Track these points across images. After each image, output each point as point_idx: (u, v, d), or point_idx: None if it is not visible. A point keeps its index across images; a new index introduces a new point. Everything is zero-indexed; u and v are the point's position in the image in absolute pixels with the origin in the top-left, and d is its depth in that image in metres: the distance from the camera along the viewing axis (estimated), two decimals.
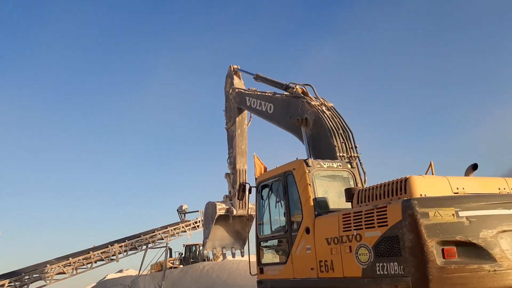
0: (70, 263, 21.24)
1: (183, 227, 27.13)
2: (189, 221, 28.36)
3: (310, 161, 7.30)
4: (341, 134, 8.71)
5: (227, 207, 12.14)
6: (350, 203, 6.64)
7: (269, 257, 8.31)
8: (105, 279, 31.06)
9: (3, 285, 18.82)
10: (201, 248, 30.39)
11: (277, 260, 7.96)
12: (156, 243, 25.60)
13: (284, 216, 7.64)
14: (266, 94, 10.73)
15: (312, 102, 9.39)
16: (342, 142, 8.59)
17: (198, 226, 28.39)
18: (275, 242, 8.14)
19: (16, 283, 19.48)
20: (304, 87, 9.83)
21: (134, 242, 23.68)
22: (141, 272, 27.89)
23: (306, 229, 6.91)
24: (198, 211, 29.44)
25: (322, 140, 8.74)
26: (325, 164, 7.65)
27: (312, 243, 6.77)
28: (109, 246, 22.78)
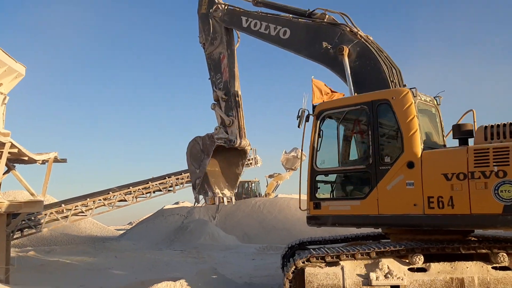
0: (130, 191, 22.51)
1: None
2: None
3: (415, 91, 7.09)
4: (391, 70, 8.23)
5: (225, 137, 10.08)
6: (458, 139, 6.92)
7: (332, 191, 8.13)
8: (163, 209, 32.95)
9: (70, 208, 20.50)
10: (253, 184, 31.38)
11: (346, 195, 7.90)
12: None
13: (364, 148, 7.47)
14: (280, 16, 9.59)
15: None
16: (392, 80, 8.09)
17: (251, 163, 29.05)
18: (342, 176, 7.96)
19: (83, 207, 21.14)
20: (343, 16, 8.87)
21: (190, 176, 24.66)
22: (195, 204, 29.36)
23: (409, 164, 6.86)
24: (251, 149, 30.01)
25: (370, 74, 8.16)
26: (422, 97, 7.48)
27: (418, 178, 6.78)
28: (166, 177, 23.89)
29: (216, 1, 10.66)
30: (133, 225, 40.22)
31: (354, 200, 7.49)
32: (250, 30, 10.02)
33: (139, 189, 22.71)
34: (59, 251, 19.05)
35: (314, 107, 7.96)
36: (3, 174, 11.73)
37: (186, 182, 24.79)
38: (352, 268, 6.73)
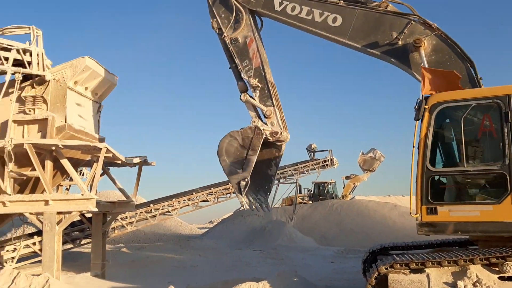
0: (212, 192, 23.43)
1: (312, 165, 27.91)
2: (318, 159, 29.01)
3: None
4: (472, 64, 7.61)
5: (269, 128, 8.79)
6: None
7: (454, 195, 7.38)
8: (241, 209, 33.71)
9: (158, 208, 21.75)
10: (330, 186, 31.18)
11: (473, 199, 7.11)
12: (287, 179, 26.81)
13: (497, 147, 6.79)
14: (327, 2, 8.55)
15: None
16: (481, 77, 7.52)
17: (327, 165, 28.89)
18: (467, 177, 7.18)
19: (169, 207, 22.35)
20: (408, 7, 8.07)
21: None
22: (273, 205, 29.75)
23: None
24: (327, 150, 29.90)
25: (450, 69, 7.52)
26: None
27: None
28: None
29: None
30: (214, 224, 41.52)
31: (485, 205, 6.81)
32: (285, 14, 8.87)
33: (220, 189, 23.53)
34: (148, 248, 20.26)
35: (425, 98, 7.11)
36: (100, 176, 12.74)
37: None
38: (438, 276, 6.56)
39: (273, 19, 9.22)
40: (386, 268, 6.67)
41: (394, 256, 7.19)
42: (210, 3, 9.60)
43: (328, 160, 29.01)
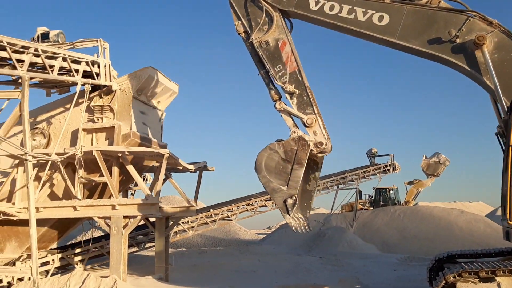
0: (270, 197, 23.53)
1: (372, 170, 27.30)
2: (379, 164, 28.32)
3: None
4: None
5: (312, 139, 7.86)
6: None
7: None
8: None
9: (218, 213, 22.15)
10: (391, 191, 30.31)
11: None
12: (347, 185, 26.41)
13: None
14: None
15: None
16: None
17: (388, 170, 28.16)
18: None
19: (228, 212, 22.69)
20: (461, 3, 7.60)
21: (326, 183, 24.87)
22: (333, 211, 29.37)
23: None
24: (388, 154, 29.13)
25: None
26: None
27: None
28: None
29: None
30: (272, 229, 41.52)
31: None
32: (322, 14, 8.11)
33: None
34: (209, 253, 20.64)
35: None
36: (162, 182, 13.17)
37: (323, 189, 25.06)
38: (510, 285, 6.23)
39: (308, 20, 8.46)
40: (454, 277, 6.43)
41: (462, 264, 6.90)
42: (234, 4, 8.68)
43: (389, 165, 28.24)
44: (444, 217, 25.72)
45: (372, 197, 30.98)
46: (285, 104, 8.27)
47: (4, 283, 12.40)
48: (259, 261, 17.83)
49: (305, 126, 8.08)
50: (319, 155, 8.20)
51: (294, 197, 7.75)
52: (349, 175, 26.02)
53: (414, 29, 7.71)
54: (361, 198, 29.95)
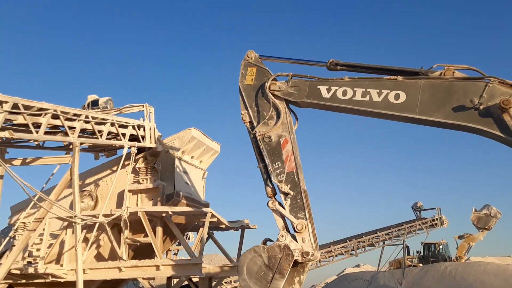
0: None
1: (419, 224, 26.39)
2: (426, 218, 27.37)
3: None
4: None
5: (299, 247, 7.39)
6: None
7: None
8: (344, 272, 32.41)
9: None
10: (441, 246, 29.01)
11: None
12: (393, 240, 25.55)
13: None
14: (383, 79, 7.90)
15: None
16: None
17: (435, 224, 27.15)
18: None
19: None
20: (472, 70, 7.44)
21: (371, 238, 24.17)
22: (379, 268, 28.25)
23: None
24: (434, 208, 28.18)
25: None
26: None
27: None
28: (347, 241, 23.82)
29: (271, 73, 8.39)
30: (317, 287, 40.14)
31: None
32: (336, 100, 7.99)
33: (322, 253, 23.05)
34: None
35: None
36: (205, 241, 13.16)
37: (368, 246, 24.30)
38: None
39: (322, 108, 8.34)
40: None
41: None
42: (243, 94, 8.44)
43: (436, 219, 27.22)
44: (499, 274, 24.18)
45: (420, 252, 29.67)
46: (279, 204, 7.86)
47: None
48: None
49: (295, 231, 7.63)
50: (307, 261, 7.60)
51: None
52: (395, 231, 25.20)
53: (433, 102, 7.52)
54: (408, 254, 28.73)
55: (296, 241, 7.42)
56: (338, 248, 23.25)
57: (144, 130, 11.51)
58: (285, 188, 7.75)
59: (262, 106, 8.33)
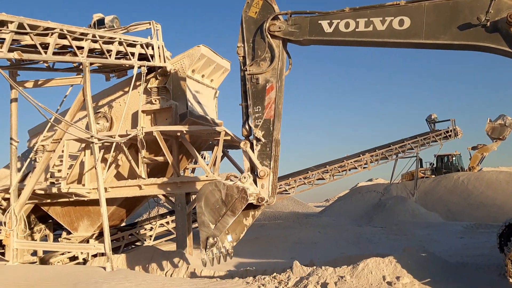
0: (327, 170, 23.44)
1: (433, 137, 26.36)
2: (440, 130, 27.29)
3: None
4: None
5: (256, 192, 7.76)
6: None
7: None
8: (357, 186, 33.14)
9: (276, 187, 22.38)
10: (454, 158, 29.23)
11: None
12: (406, 153, 25.71)
13: None
14: (385, 5, 7.56)
15: None
16: None
17: (449, 135, 27.12)
18: None
19: (286, 186, 22.88)
20: None
21: (384, 152, 24.34)
22: (392, 180, 28.79)
23: None
24: (449, 120, 28.03)
25: None
26: None
27: None
28: (360, 155, 24.05)
29: (275, 10, 8.04)
30: (330, 202, 41.41)
31: None
32: (339, 34, 7.72)
33: (335, 167, 23.45)
34: (268, 226, 20.95)
35: None
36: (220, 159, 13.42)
37: (381, 159, 24.57)
38: None
39: (325, 44, 8.08)
40: None
41: None
42: (244, 27, 8.17)
43: (450, 131, 27.13)
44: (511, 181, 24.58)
45: (433, 164, 30.02)
46: (250, 146, 8.02)
47: (80, 260, 13.28)
48: (319, 232, 17.89)
49: (257, 176, 7.84)
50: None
51: (216, 239, 7.82)
52: (408, 143, 25.27)
53: (439, 24, 7.26)
54: (421, 166, 29.11)
55: (257, 185, 7.76)
56: (351, 162, 23.50)
57: (152, 48, 11.31)
58: (259, 134, 7.88)
59: (259, 44, 8.08)
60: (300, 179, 23.26)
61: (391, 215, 22.37)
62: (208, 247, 7.82)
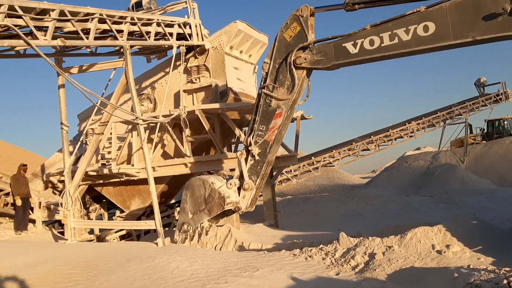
0: (372, 140, 23.07)
1: (482, 101, 25.29)
2: (489, 94, 26.14)
3: None
4: None
5: (236, 201, 8.39)
6: None
7: None
8: (404, 155, 32.44)
9: (319, 160, 22.32)
10: (506, 122, 28.03)
11: None
12: (454, 119, 24.87)
13: None
14: (406, 15, 7.40)
15: None
16: None
17: (500, 99, 25.96)
18: None
19: (330, 158, 22.73)
20: None
21: (431, 119, 23.63)
22: (441, 148, 27.99)
23: None
24: (499, 82, 26.79)
25: None
26: None
27: None
28: (406, 124, 23.46)
29: (308, 39, 7.94)
30: (377, 173, 40.85)
31: None
32: (365, 53, 7.68)
33: (380, 137, 23.02)
34: (314, 199, 21.00)
35: None
36: None
37: (428, 127, 23.88)
38: None
39: (352, 64, 8.06)
40: None
41: None
42: (276, 43, 8.19)
43: (500, 94, 25.94)
44: None
45: (484, 130, 28.87)
46: (245, 158, 8.45)
47: (134, 236, 13.87)
48: (366, 204, 17.76)
49: (242, 188, 8.39)
50: None
51: (189, 228, 8.86)
52: (456, 109, 24.40)
53: (465, 22, 7.06)
54: (471, 132, 28.07)
55: (239, 193, 8.44)
56: (397, 131, 22.97)
57: (190, 27, 11.39)
58: (255, 151, 8.35)
59: (283, 69, 8.19)
60: (345, 150, 23.04)
61: (440, 183, 21.86)
62: (181, 231, 8.88)
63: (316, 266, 6.93)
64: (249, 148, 8.37)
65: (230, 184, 8.50)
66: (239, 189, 8.50)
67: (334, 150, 22.91)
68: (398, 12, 7.58)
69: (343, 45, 7.77)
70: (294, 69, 8.00)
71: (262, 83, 8.32)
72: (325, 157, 22.37)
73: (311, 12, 8.00)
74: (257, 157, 8.38)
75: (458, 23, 7.14)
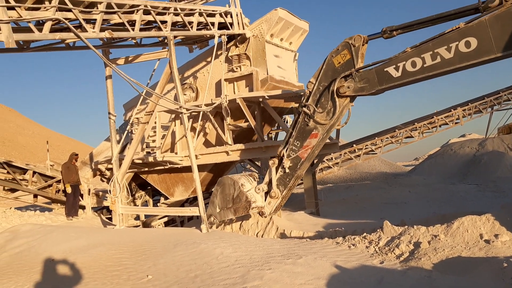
0: (416, 127, 22.51)
1: None
2: None
3: None
4: None
5: (262, 205, 8.86)
6: None
7: None
8: (449, 143, 31.52)
9: (361, 148, 22.03)
10: None
11: None
12: (502, 105, 23.88)
13: None
14: (445, 33, 7.23)
15: None
16: None
17: None
18: None
19: (372, 146, 22.37)
20: None
21: (478, 105, 22.79)
22: (488, 135, 27.02)
23: None
24: None
25: None
26: None
27: None
28: (451, 110, 22.75)
29: (355, 66, 7.92)
30: (420, 160, 39.95)
31: None
32: (408, 75, 7.63)
33: (424, 124, 22.43)
34: (356, 187, 20.80)
35: None
36: None
37: (474, 113, 23.07)
38: None
39: (397, 87, 7.96)
40: None
41: None
42: (324, 66, 8.25)
43: None
44: None
45: None
46: (277, 167, 8.90)
47: (178, 222, 14.22)
48: (410, 192, 17.45)
49: (268, 194, 8.90)
50: None
51: (215, 220, 9.44)
52: (505, 94, 23.38)
53: (507, 33, 6.88)
54: None
55: (266, 199, 8.92)
56: (441, 118, 22.29)
57: (231, 16, 11.45)
58: (287, 163, 8.73)
59: (326, 93, 8.26)
60: (387, 138, 22.60)
61: (487, 171, 21.16)
62: (208, 221, 9.36)
63: (359, 254, 6.92)
64: (283, 159, 8.72)
65: (259, 189, 9.00)
66: (266, 193, 8.96)
67: (376, 138, 22.54)
68: (430, 35, 7.57)
69: (385, 69, 7.76)
70: (336, 98, 8.05)
71: (304, 101, 8.46)
72: (367, 145, 22.05)
73: (365, 40, 8.03)
74: (287, 170, 8.78)
75: (501, 35, 7.02)
